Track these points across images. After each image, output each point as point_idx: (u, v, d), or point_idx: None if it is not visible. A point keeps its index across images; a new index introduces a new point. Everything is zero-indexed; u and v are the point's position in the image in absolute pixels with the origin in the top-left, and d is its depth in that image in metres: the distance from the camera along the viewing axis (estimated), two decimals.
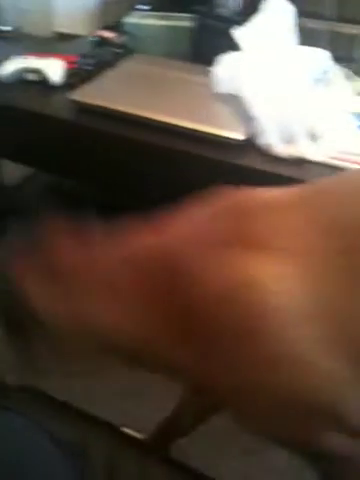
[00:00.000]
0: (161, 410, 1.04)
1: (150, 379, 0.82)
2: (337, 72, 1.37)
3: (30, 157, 1.53)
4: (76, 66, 1.51)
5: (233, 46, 1.35)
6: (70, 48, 1.91)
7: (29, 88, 1.49)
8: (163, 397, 1.02)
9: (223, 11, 1.46)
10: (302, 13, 2.59)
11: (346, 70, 1.57)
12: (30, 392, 0.94)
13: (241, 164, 1.22)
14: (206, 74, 1.38)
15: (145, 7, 2.15)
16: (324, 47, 2.68)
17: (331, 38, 2.67)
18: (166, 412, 1.05)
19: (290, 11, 1.25)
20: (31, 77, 1.49)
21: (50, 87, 1.47)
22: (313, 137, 1.22)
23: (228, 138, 1.23)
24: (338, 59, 1.48)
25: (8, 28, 2.81)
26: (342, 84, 1.32)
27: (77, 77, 1.47)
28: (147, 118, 1.30)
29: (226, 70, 1.32)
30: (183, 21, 1.59)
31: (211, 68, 1.35)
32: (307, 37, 2.57)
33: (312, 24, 2.68)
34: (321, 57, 1.29)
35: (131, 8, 1.90)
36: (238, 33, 1.26)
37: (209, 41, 1.45)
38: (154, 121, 1.29)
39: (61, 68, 1.48)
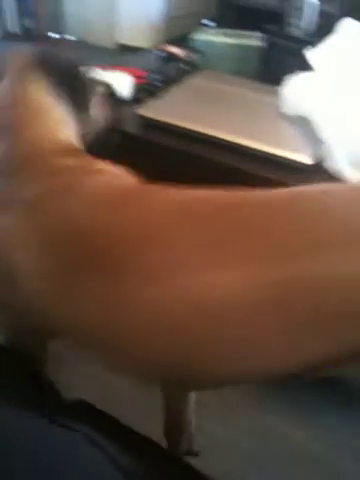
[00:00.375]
0: None
1: None
2: None
3: None
4: (144, 81, 1.52)
5: (304, 66, 1.33)
6: (135, 61, 1.94)
7: None
8: None
9: (295, 31, 1.44)
10: None
11: None
12: (85, 407, 0.94)
13: None
14: (275, 94, 1.37)
15: (212, 23, 2.15)
16: None
17: None
18: None
19: None
20: (98, 89, 1.51)
21: (117, 100, 1.49)
22: None
23: (295, 161, 1.20)
24: None
25: (72, 38, 2.88)
26: None
27: (145, 92, 1.48)
28: (213, 136, 1.29)
29: (296, 91, 1.30)
30: (253, 39, 1.58)
31: (280, 88, 1.34)
32: None
33: None
34: None
35: (196, 23, 1.91)
36: (310, 54, 1.24)
37: (279, 61, 1.43)
38: (220, 139, 1.28)
39: (130, 83, 1.49)
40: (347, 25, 1.26)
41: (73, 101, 1.05)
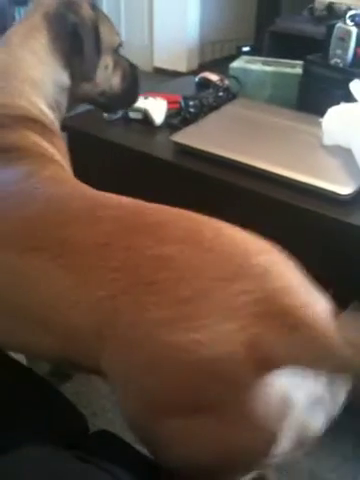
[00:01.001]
0: None
1: None
2: None
3: (127, 194, 1.53)
4: (179, 107, 1.50)
5: (345, 97, 1.31)
6: (171, 86, 1.94)
7: (131, 126, 1.50)
8: None
9: (337, 61, 1.41)
10: None
11: None
12: (109, 440, 0.91)
13: (347, 221, 1.16)
14: (314, 124, 1.34)
15: (248, 49, 2.14)
16: None
17: None
18: None
19: None
20: (134, 115, 1.50)
21: (152, 126, 1.48)
22: None
23: (335, 193, 1.16)
24: None
25: None
26: None
27: (180, 118, 1.47)
28: (248, 165, 1.26)
29: (337, 121, 1.26)
30: (292, 68, 1.56)
31: (320, 118, 1.31)
32: None
33: None
34: None
35: (233, 48, 1.90)
36: (355, 84, 1.21)
37: (319, 91, 1.40)
38: (256, 168, 1.25)
39: (164, 109, 1.48)
40: None
41: (76, 62, 1.02)
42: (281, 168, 1.23)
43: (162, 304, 0.65)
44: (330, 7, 2.79)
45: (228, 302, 0.65)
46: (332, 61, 1.42)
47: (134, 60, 1.23)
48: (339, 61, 1.40)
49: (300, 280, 0.71)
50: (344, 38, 1.39)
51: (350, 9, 2.78)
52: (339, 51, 1.40)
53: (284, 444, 0.66)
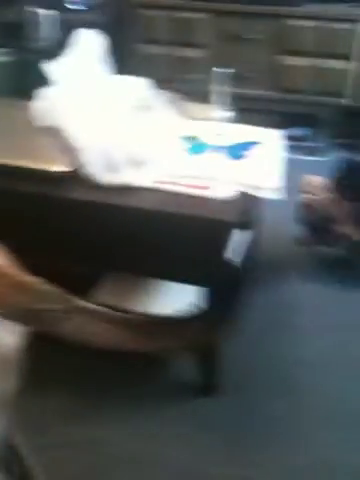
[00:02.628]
0: None
1: None
2: (161, 98, 1.39)
3: None
4: None
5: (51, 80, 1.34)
6: None
7: None
8: None
9: (40, 45, 1.44)
10: (139, 39, 2.68)
11: (172, 95, 1.62)
12: None
13: (69, 196, 1.20)
14: (27, 109, 1.35)
15: None
16: (160, 70, 2.79)
17: (167, 62, 2.78)
18: None
19: (101, 42, 1.26)
20: None
21: None
22: (139, 164, 1.23)
23: (53, 171, 1.20)
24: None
25: None
26: (167, 109, 1.34)
27: None
28: None
29: (45, 103, 1.29)
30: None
31: (31, 102, 1.33)
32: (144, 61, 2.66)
33: (149, 49, 2.78)
34: (140, 84, 1.31)
35: None
36: (50, 67, 1.25)
37: (28, 75, 1.42)
38: None
39: None
40: (84, 35, 1.29)
41: None
42: None
43: None
44: None
45: None
46: (36, 45, 1.44)
47: None
48: (42, 44, 1.43)
49: None
50: (42, 22, 1.42)
51: None
52: (40, 34, 1.43)
53: None
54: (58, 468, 1.28)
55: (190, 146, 1.37)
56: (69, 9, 2.81)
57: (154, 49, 2.77)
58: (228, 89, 1.62)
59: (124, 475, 1.29)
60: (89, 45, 1.26)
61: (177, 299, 1.47)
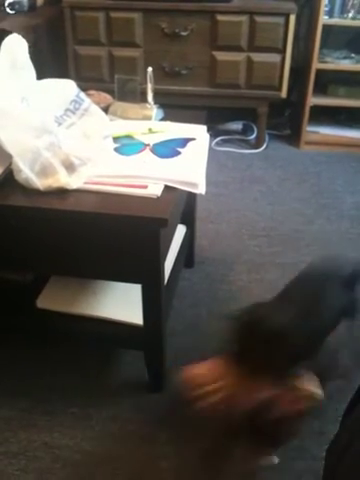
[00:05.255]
0: None
1: None
2: (91, 98, 1.40)
3: None
4: None
5: None
6: None
7: None
8: None
9: None
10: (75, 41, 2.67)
11: (105, 94, 1.63)
12: None
13: (2, 203, 1.20)
14: None
15: None
16: (96, 71, 2.79)
17: (103, 62, 2.79)
18: None
19: (25, 46, 1.27)
20: None
21: None
22: (70, 166, 1.24)
23: None
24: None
25: None
26: (95, 110, 1.36)
27: None
28: None
29: None
30: None
31: None
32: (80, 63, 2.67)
33: (85, 51, 2.78)
34: (68, 87, 1.32)
35: None
36: None
37: None
38: None
39: None
40: (9, 40, 1.28)
41: None
42: None
43: None
44: None
45: None
46: None
47: None
48: None
49: None
50: None
51: None
52: None
53: None
54: (14, 476, 1.29)
55: (122, 145, 1.39)
56: (8, 13, 2.79)
57: (90, 50, 2.77)
58: (159, 87, 1.64)
59: (78, 477, 1.30)
60: (14, 50, 1.26)
61: (122, 299, 1.49)
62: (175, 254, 1.66)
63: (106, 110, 1.53)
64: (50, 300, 1.48)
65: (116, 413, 1.44)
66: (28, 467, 1.31)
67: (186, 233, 1.81)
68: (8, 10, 2.82)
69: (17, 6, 2.86)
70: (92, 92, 1.57)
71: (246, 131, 3.11)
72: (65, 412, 1.44)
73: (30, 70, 1.29)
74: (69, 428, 1.40)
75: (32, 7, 2.96)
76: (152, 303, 1.32)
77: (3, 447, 1.35)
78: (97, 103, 1.40)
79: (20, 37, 1.29)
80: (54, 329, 1.50)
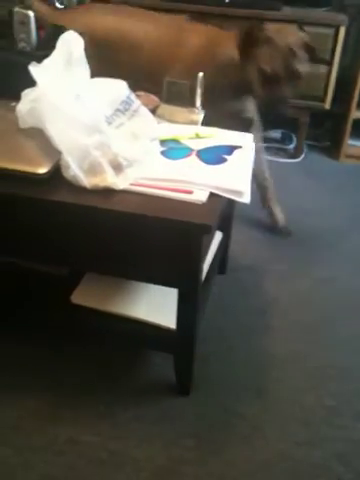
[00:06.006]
0: None
1: None
2: (140, 100, 1.41)
3: None
4: None
5: (35, 81, 1.35)
6: None
7: None
8: None
9: (24, 46, 1.45)
10: None
11: (152, 97, 1.64)
12: None
13: (50, 199, 1.21)
14: (11, 109, 1.36)
15: None
16: None
17: None
18: None
19: (81, 43, 1.28)
20: None
21: None
22: (118, 166, 1.24)
23: (33, 173, 1.21)
24: None
25: None
26: (144, 112, 1.36)
27: None
28: None
29: (28, 104, 1.30)
30: None
31: (13, 103, 1.34)
32: None
33: None
34: (119, 87, 1.33)
35: None
36: (34, 69, 1.26)
37: (13, 76, 1.43)
38: None
39: None
40: (66, 37, 1.30)
41: None
42: None
43: None
44: None
45: None
46: (19, 46, 1.45)
47: None
48: (25, 45, 1.44)
49: None
50: (24, 22, 1.43)
51: None
52: (23, 35, 1.43)
53: None
54: (36, 469, 1.30)
55: (169, 149, 1.39)
56: (58, 8, 2.82)
57: None
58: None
59: (102, 476, 1.31)
60: (70, 47, 1.27)
61: (156, 301, 1.50)
62: (210, 260, 1.66)
63: (153, 112, 1.54)
64: (85, 296, 1.49)
65: (142, 414, 1.44)
66: (50, 462, 1.32)
67: (222, 239, 1.81)
68: (57, 4, 2.85)
69: (66, 1, 2.89)
70: (141, 93, 1.57)
71: (284, 140, 3.09)
72: (91, 409, 1.45)
73: (85, 68, 1.30)
74: (94, 426, 1.41)
75: (81, 2, 2.99)
76: (187, 308, 1.32)
77: (30, 439, 1.37)
78: (145, 105, 1.41)
79: (77, 34, 1.30)
80: (87, 326, 1.51)
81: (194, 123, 1.54)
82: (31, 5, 1.58)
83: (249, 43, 1.74)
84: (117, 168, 1.24)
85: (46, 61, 1.29)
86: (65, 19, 1.77)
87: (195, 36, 1.90)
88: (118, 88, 1.32)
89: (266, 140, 3.03)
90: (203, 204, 1.20)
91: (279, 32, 1.78)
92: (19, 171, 1.21)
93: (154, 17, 2.05)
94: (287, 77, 1.80)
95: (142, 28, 1.96)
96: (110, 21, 1.99)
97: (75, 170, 1.22)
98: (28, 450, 1.34)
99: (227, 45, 1.80)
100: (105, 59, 1.74)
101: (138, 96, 1.45)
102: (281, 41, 1.75)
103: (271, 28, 1.78)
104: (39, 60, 1.33)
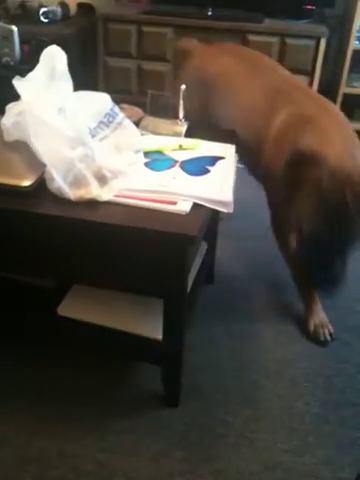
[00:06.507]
0: None
1: None
2: (124, 112, 1.42)
3: None
4: None
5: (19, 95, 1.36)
6: None
7: None
8: None
9: (8, 60, 1.46)
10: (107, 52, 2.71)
11: (136, 108, 1.66)
12: None
13: (34, 211, 1.22)
14: None
15: None
16: (127, 83, 2.83)
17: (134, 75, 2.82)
18: None
19: (64, 57, 1.29)
20: None
21: None
22: (102, 178, 1.25)
23: (17, 186, 1.22)
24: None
25: None
26: (128, 125, 1.38)
27: None
28: None
29: (13, 118, 1.31)
30: None
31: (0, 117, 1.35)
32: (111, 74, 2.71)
33: (116, 62, 2.82)
34: (103, 100, 1.34)
35: None
36: (18, 83, 1.27)
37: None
38: None
39: None
40: (49, 52, 1.31)
41: None
42: None
43: None
44: (23, 5, 2.84)
45: None
46: (3, 60, 1.46)
47: None
48: (9, 59, 1.45)
49: None
50: (8, 37, 1.44)
51: (42, 6, 2.86)
52: (6, 50, 1.44)
53: None
54: None
55: (153, 160, 1.40)
56: (42, 22, 2.85)
57: (120, 62, 2.81)
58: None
59: None
60: (53, 61, 1.28)
61: (143, 312, 1.50)
62: (196, 270, 1.67)
63: (137, 124, 1.55)
64: (72, 308, 1.49)
65: (130, 425, 1.44)
66: (42, 475, 1.31)
67: (207, 249, 1.82)
68: (42, 18, 2.88)
69: (51, 15, 2.92)
70: (124, 106, 1.59)
71: None
72: (79, 421, 1.45)
73: (68, 81, 1.31)
74: (83, 438, 1.40)
75: (65, 16, 3.02)
76: (173, 318, 1.33)
77: (18, 452, 1.36)
78: (129, 117, 1.42)
79: (59, 48, 1.32)
80: (74, 338, 1.51)
81: (178, 135, 1.55)
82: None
83: None
84: (101, 180, 1.25)
85: (30, 75, 1.30)
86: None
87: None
88: (102, 101, 1.33)
89: None
90: (187, 215, 1.21)
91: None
92: (3, 184, 1.22)
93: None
94: None
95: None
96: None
97: (59, 182, 1.23)
98: (16, 463, 1.33)
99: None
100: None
101: (122, 108, 1.47)
102: None
103: None
104: (23, 74, 1.34)
